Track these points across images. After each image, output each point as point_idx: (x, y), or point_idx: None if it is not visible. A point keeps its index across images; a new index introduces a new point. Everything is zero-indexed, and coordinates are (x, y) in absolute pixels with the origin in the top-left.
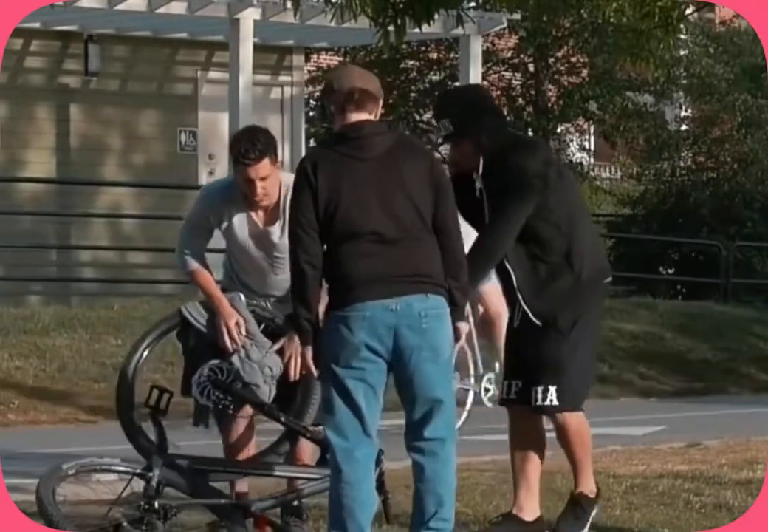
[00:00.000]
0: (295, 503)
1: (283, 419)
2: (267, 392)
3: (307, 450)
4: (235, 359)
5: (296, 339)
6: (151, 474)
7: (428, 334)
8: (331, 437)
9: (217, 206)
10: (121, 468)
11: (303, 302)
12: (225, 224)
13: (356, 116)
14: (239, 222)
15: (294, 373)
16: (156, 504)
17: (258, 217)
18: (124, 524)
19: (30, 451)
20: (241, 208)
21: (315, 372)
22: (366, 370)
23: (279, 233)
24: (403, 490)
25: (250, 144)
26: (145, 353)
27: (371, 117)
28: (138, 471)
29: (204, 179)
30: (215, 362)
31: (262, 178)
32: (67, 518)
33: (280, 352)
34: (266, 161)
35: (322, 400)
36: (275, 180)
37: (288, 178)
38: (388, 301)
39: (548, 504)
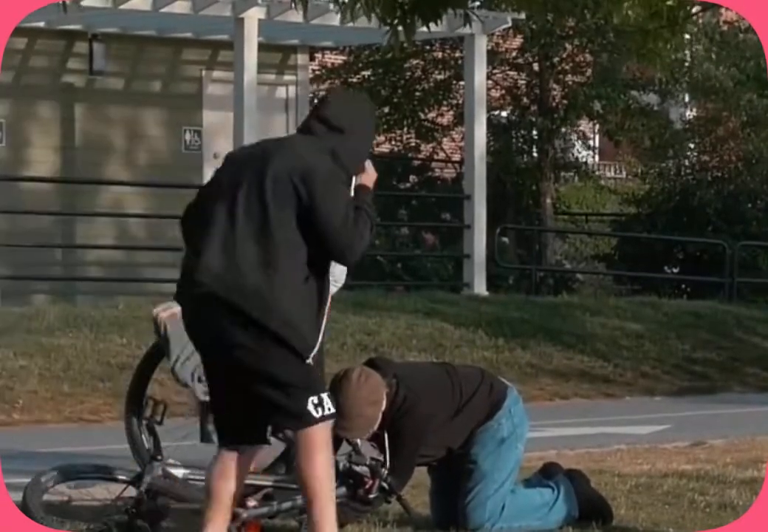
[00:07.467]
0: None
1: (279, 435)
2: None
3: None
4: None
5: None
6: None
7: None
8: None
9: None
10: (97, 475)
11: None
12: None
13: None
14: None
15: None
16: (143, 509)
17: None
18: (113, 530)
19: (34, 450)
20: None
21: None
22: None
23: None
24: (407, 490)
25: None
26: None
27: None
28: (118, 477)
29: (209, 178)
30: None
31: None
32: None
33: None
34: None
35: None
36: None
37: None
38: None
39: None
